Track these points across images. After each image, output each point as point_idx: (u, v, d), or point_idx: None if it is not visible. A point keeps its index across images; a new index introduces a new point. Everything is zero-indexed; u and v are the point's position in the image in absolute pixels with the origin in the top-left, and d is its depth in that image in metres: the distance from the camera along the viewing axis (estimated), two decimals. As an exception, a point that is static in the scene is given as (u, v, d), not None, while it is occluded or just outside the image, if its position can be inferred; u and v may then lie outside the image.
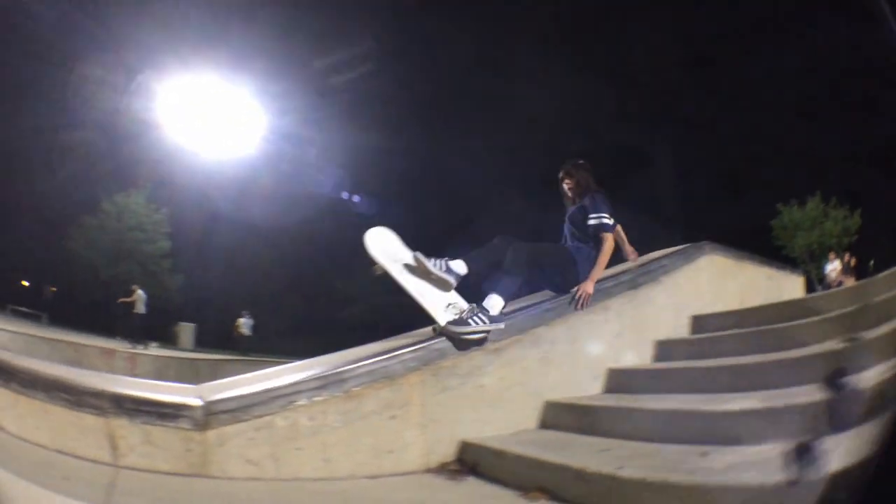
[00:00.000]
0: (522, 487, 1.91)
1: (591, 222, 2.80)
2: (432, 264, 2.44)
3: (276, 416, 2.08)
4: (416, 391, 2.18)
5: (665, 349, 2.75)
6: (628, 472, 1.61)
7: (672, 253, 2.91)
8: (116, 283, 20.10)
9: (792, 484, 1.29)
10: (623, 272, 2.70)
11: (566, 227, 3.03)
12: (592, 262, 2.73)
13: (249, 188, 20.09)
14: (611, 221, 2.83)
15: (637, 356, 2.66)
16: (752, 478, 1.38)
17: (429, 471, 2.23)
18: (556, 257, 2.78)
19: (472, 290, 2.61)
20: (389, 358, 2.15)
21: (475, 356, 2.24)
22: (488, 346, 2.25)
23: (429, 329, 2.33)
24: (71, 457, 2.04)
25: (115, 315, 13.53)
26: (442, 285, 2.47)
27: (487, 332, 2.31)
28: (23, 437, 2.09)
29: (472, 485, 2.18)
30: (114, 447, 2.07)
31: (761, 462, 1.49)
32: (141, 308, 12.99)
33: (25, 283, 23.68)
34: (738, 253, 3.26)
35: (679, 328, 2.85)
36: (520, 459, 2.07)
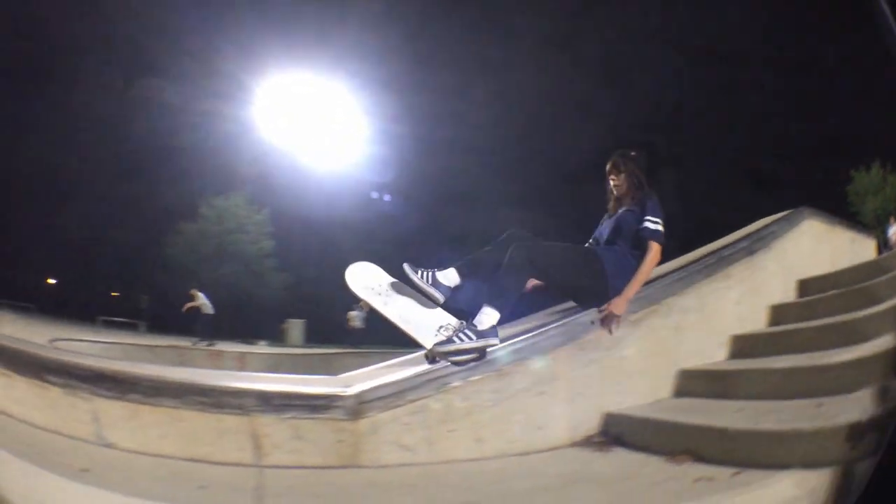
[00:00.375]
0: (668, 452, 1.87)
1: (648, 225, 2.28)
2: (418, 276, 2.12)
3: (430, 399, 2.01)
4: (563, 366, 2.11)
5: (778, 313, 2.71)
6: (765, 426, 1.73)
7: (779, 219, 2.84)
8: (220, 285, 19.86)
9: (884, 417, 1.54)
10: (740, 239, 2.61)
11: (604, 231, 2.47)
12: (630, 276, 2.21)
13: (348, 184, 19.67)
14: (662, 229, 2.29)
15: (754, 322, 2.65)
16: (855, 416, 1.56)
17: (575, 444, 2.19)
18: (572, 264, 2.24)
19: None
20: (538, 334, 2.09)
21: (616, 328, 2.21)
22: (628, 317, 2.20)
23: (570, 304, 2.28)
24: (206, 463, 1.98)
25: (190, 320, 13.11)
26: (431, 301, 2.13)
27: (477, 349, 1.99)
28: (144, 451, 2.01)
29: (619, 454, 2.14)
30: (257, 447, 1.98)
31: (860, 403, 1.68)
32: (208, 309, 12.73)
33: (115, 294, 23.36)
34: (831, 218, 3.24)
35: (787, 292, 2.78)
36: (664, 425, 2.04)
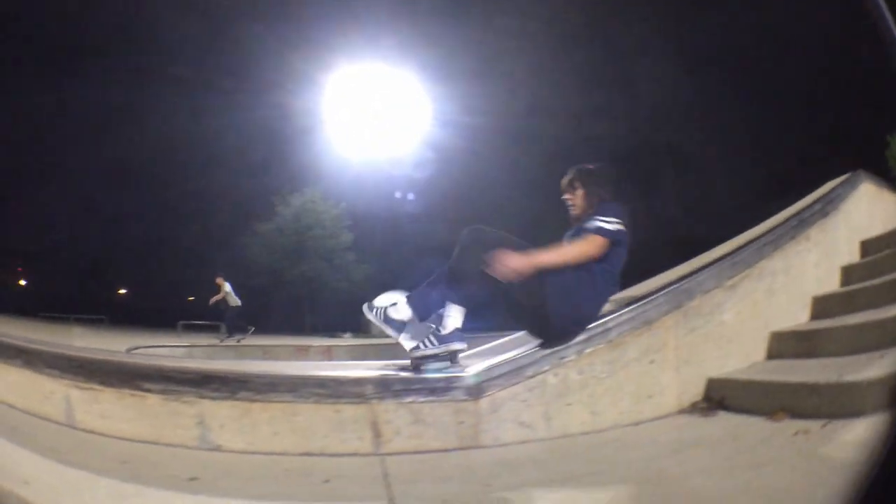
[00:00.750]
0: (766, 412, 1.93)
1: (592, 223, 2.11)
2: (373, 315, 2.17)
3: (547, 374, 1.99)
4: (670, 334, 2.09)
5: (847, 273, 2.75)
6: (847, 378, 1.82)
7: (842, 182, 2.90)
8: (301, 281, 19.27)
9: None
10: (814, 202, 2.64)
11: None
12: (583, 292, 2.04)
13: (425, 174, 19.25)
14: (613, 227, 2.08)
15: (829, 283, 2.68)
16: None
17: (682, 412, 2.19)
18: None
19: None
20: (646, 303, 2.08)
21: (716, 294, 2.23)
22: (724, 282, 2.24)
23: (674, 270, 2.30)
24: (323, 456, 1.94)
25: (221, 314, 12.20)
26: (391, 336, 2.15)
27: (439, 355, 2.02)
28: (255, 451, 1.97)
29: (723, 418, 2.15)
30: (377, 434, 1.94)
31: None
32: (234, 300, 11.67)
33: (191, 298, 22.75)
34: (879, 180, 3.37)
35: (853, 253, 2.84)
36: (763, 386, 2.06)
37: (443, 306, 2.14)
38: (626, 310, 2.06)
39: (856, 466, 1.13)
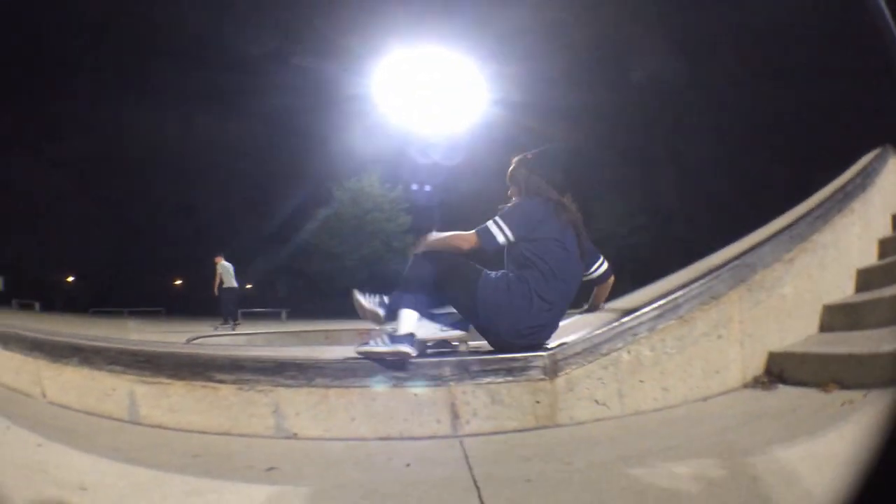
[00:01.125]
0: (820, 384, 1.99)
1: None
2: (364, 298, 2.23)
3: (621, 352, 2.00)
4: (736, 308, 2.11)
5: (883, 247, 2.84)
6: (885, 348, 1.91)
7: (874, 157, 2.97)
8: (363, 265, 18.99)
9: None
10: (855, 175, 2.72)
11: None
12: (508, 297, 2.07)
13: (479, 153, 18.90)
14: (498, 232, 2.12)
15: (869, 255, 2.72)
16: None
17: (745, 386, 2.21)
18: (455, 275, 2.10)
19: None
20: (713, 278, 2.10)
21: (776, 268, 2.24)
22: (783, 256, 2.27)
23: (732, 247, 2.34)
24: (401, 440, 1.95)
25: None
26: (374, 320, 2.21)
27: (386, 354, 1.99)
28: (331, 437, 1.96)
29: (783, 391, 2.20)
30: (455, 416, 1.95)
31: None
32: (230, 281, 10.86)
33: (249, 286, 22.41)
34: None
35: (887, 226, 2.91)
36: (816, 359, 2.10)
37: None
38: (695, 285, 2.09)
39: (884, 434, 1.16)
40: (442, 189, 21.37)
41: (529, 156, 2.35)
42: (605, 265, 2.42)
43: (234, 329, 9.88)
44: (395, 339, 2.02)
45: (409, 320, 2.09)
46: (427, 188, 20.67)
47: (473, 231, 2.16)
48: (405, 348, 1.98)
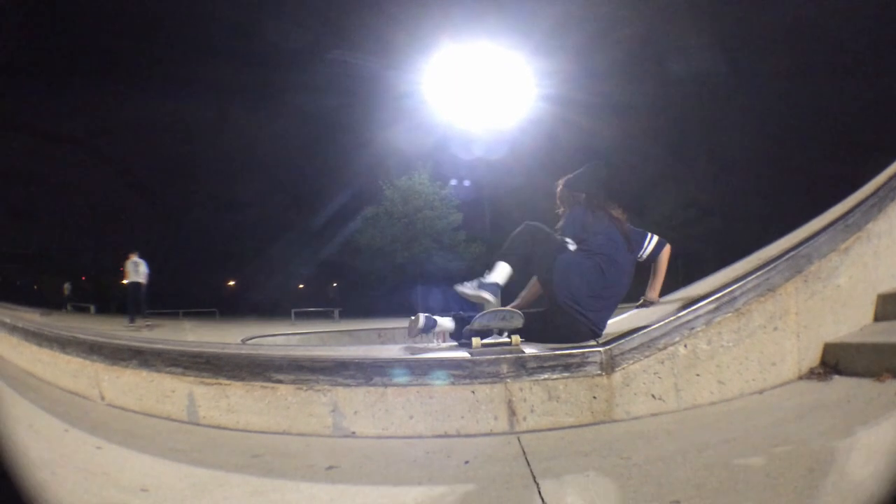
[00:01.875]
0: (874, 374, 1.96)
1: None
2: (468, 288, 2.42)
3: (678, 346, 1.98)
4: (792, 299, 2.07)
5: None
6: None
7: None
8: (413, 263, 19.36)
9: None
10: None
11: None
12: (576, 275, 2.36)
13: (527, 148, 18.88)
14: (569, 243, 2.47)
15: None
16: None
17: (801, 377, 2.18)
18: (546, 256, 2.42)
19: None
20: (770, 270, 2.06)
21: (832, 258, 2.21)
22: (839, 246, 2.21)
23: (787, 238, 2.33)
24: (459, 437, 1.96)
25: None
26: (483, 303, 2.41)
27: (471, 296, 2.39)
28: (390, 435, 1.98)
29: (838, 382, 2.15)
30: (512, 412, 1.94)
31: None
32: (134, 276, 10.14)
33: (302, 286, 22.90)
34: None
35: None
36: (871, 349, 2.04)
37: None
38: (751, 277, 2.06)
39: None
40: (491, 185, 21.36)
41: (571, 177, 2.75)
42: (655, 239, 2.58)
43: (141, 328, 9.40)
44: (483, 285, 2.39)
45: (502, 271, 2.43)
46: (466, 183, 20.71)
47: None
48: (487, 295, 2.38)
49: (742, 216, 18.42)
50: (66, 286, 21.86)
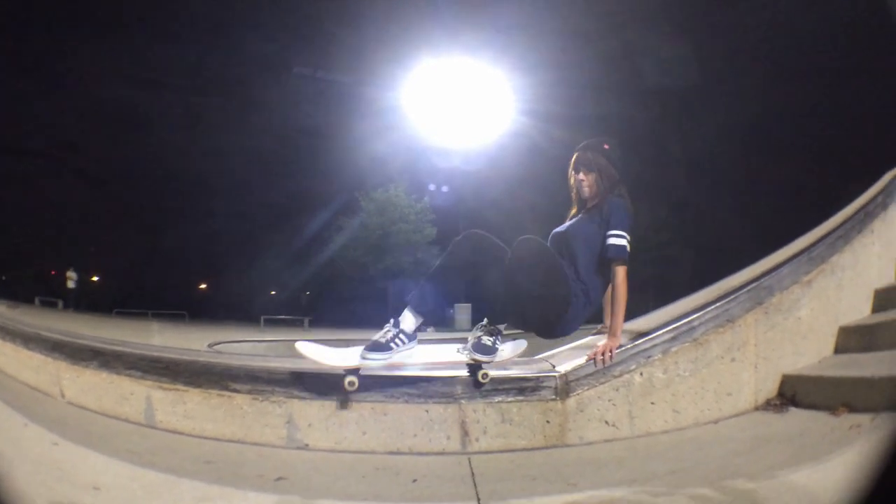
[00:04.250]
0: (830, 407, 1.95)
1: (612, 241, 1.98)
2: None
3: (634, 374, 1.97)
4: (752, 331, 2.06)
5: (903, 266, 2.82)
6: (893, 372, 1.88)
7: (890, 177, 2.91)
8: (387, 275, 19.36)
9: None
10: (877, 194, 2.64)
11: (562, 241, 2.11)
12: (593, 304, 2.03)
13: (505, 161, 18.82)
14: (628, 247, 2.01)
15: (887, 275, 2.67)
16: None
17: (757, 408, 2.16)
18: (538, 281, 1.94)
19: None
20: (730, 301, 2.06)
21: (794, 290, 2.20)
22: (802, 278, 2.22)
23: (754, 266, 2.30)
24: (410, 455, 1.95)
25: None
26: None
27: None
28: (342, 450, 1.97)
29: (793, 414, 2.15)
30: (465, 433, 1.93)
31: None
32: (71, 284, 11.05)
33: (273, 293, 22.93)
34: None
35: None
36: (829, 382, 2.04)
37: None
38: (711, 308, 2.05)
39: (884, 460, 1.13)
40: (469, 197, 21.32)
41: (607, 146, 2.17)
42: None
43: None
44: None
45: (407, 318, 2.01)
46: (444, 189, 20.68)
47: (622, 268, 2.01)
48: (388, 356, 1.94)
49: (734, 230, 18.43)
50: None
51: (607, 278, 2.05)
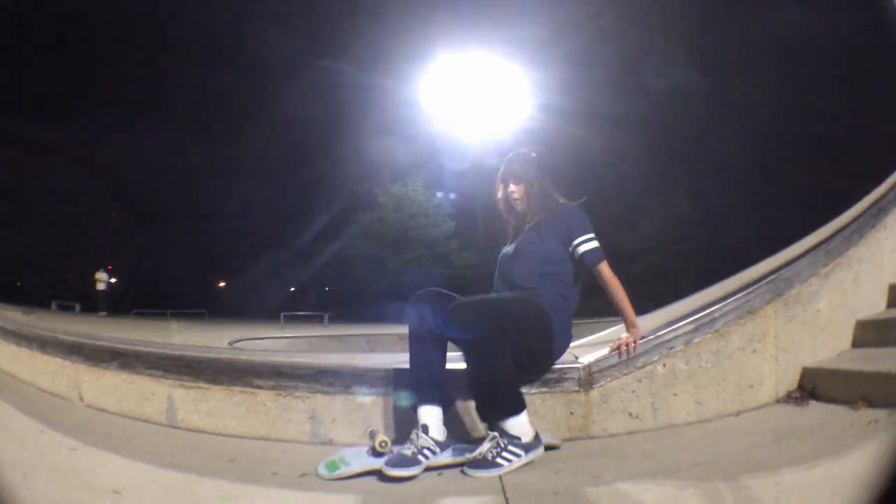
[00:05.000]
0: (849, 401, 1.95)
1: (584, 248, 1.92)
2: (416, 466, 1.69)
3: (656, 365, 1.98)
4: (772, 322, 2.07)
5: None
6: None
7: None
8: (405, 270, 19.40)
9: None
10: (889, 190, 2.66)
11: (504, 269, 2.03)
12: (569, 313, 1.94)
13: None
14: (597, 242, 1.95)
15: (900, 270, 2.73)
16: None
17: (778, 401, 2.18)
18: (523, 314, 1.82)
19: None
20: (750, 292, 2.06)
21: (812, 282, 2.20)
22: (820, 271, 2.23)
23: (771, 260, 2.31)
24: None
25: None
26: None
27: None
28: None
29: (813, 407, 2.14)
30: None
31: None
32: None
33: (293, 290, 22.78)
34: None
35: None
36: (847, 375, 2.03)
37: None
38: (732, 299, 2.07)
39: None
40: (485, 194, 21.29)
41: (535, 154, 2.10)
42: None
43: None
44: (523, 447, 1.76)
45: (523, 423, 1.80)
46: (452, 196, 20.71)
47: (603, 263, 1.98)
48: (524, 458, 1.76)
49: (730, 232, 18.45)
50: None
51: (573, 287, 1.99)
